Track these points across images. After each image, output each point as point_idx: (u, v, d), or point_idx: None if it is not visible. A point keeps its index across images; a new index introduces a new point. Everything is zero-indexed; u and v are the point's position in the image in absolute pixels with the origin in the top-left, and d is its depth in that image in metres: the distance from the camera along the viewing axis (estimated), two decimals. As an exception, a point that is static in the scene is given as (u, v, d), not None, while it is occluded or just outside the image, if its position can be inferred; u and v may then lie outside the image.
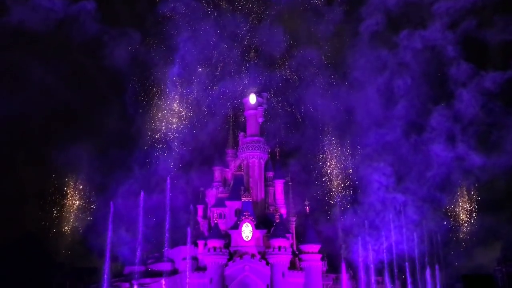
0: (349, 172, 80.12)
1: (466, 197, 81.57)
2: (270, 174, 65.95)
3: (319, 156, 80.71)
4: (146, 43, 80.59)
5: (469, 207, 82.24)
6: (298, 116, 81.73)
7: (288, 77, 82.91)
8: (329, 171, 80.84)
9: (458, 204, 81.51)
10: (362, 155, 73.47)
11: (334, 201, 77.48)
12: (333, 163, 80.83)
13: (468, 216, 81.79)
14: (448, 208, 79.99)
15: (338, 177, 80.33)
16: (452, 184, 73.66)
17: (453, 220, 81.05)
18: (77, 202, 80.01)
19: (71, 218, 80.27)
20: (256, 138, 65.56)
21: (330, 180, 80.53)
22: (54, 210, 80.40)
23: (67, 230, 79.78)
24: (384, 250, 62.09)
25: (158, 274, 59.09)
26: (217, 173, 67.46)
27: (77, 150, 71.07)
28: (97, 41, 73.75)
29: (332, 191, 79.68)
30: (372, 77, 74.26)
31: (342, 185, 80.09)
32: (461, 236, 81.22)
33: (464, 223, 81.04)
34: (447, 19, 73.80)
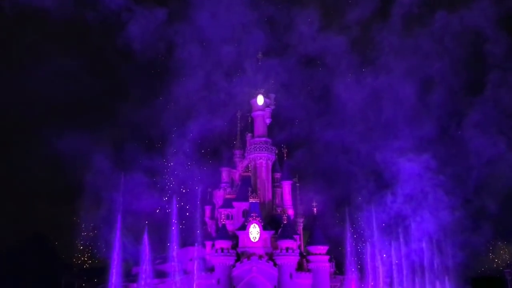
0: (374, 168, 73.83)
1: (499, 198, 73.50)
2: (278, 175, 65.81)
3: (341, 149, 75.36)
4: (170, 21, 74.56)
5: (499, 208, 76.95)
6: (321, 107, 76.99)
7: (315, 64, 77.84)
8: (351, 166, 75.62)
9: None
10: (390, 150, 67.81)
11: (350, 199, 73.46)
12: (357, 158, 74.72)
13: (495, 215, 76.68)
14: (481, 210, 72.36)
15: (361, 172, 75.15)
16: (488, 183, 68.22)
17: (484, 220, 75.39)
18: (88, 200, 79.54)
19: (81, 217, 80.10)
20: (263, 139, 65.42)
21: (352, 176, 75.42)
22: (64, 208, 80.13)
23: (77, 229, 79.86)
24: (395, 252, 60.87)
25: (166, 275, 59.15)
26: (224, 174, 67.53)
27: (91, 144, 69.67)
28: (116, 19, 69.68)
29: (352, 188, 75.01)
30: (405, 63, 69.11)
31: (365, 181, 75.08)
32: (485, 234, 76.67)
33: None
34: None
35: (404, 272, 61.11)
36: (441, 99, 67.35)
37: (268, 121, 67.06)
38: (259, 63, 70.03)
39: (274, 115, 68.51)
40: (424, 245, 62.78)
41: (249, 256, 56.93)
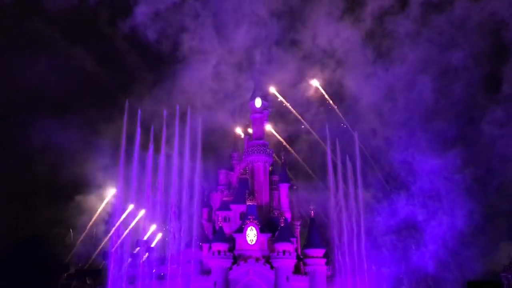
0: (387, 167, 71.37)
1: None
2: (275, 177, 65.90)
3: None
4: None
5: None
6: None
7: (327, 58, 75.22)
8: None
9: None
10: (402, 148, 65.92)
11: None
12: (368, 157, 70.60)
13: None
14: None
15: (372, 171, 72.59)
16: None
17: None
18: (86, 200, 79.03)
19: (79, 218, 79.51)
20: (261, 141, 65.59)
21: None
22: (62, 208, 79.42)
23: (74, 230, 79.28)
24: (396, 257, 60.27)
25: (163, 277, 59.18)
26: (222, 176, 67.69)
27: (89, 139, 68.72)
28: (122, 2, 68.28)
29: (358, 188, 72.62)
30: (423, 56, 67.08)
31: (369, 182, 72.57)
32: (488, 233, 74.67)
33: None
34: None
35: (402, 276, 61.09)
36: (461, 92, 65.12)
37: (266, 123, 67.16)
38: (258, 65, 69.93)
39: (273, 117, 68.35)
40: (425, 249, 62.20)
41: (246, 258, 57.00)
